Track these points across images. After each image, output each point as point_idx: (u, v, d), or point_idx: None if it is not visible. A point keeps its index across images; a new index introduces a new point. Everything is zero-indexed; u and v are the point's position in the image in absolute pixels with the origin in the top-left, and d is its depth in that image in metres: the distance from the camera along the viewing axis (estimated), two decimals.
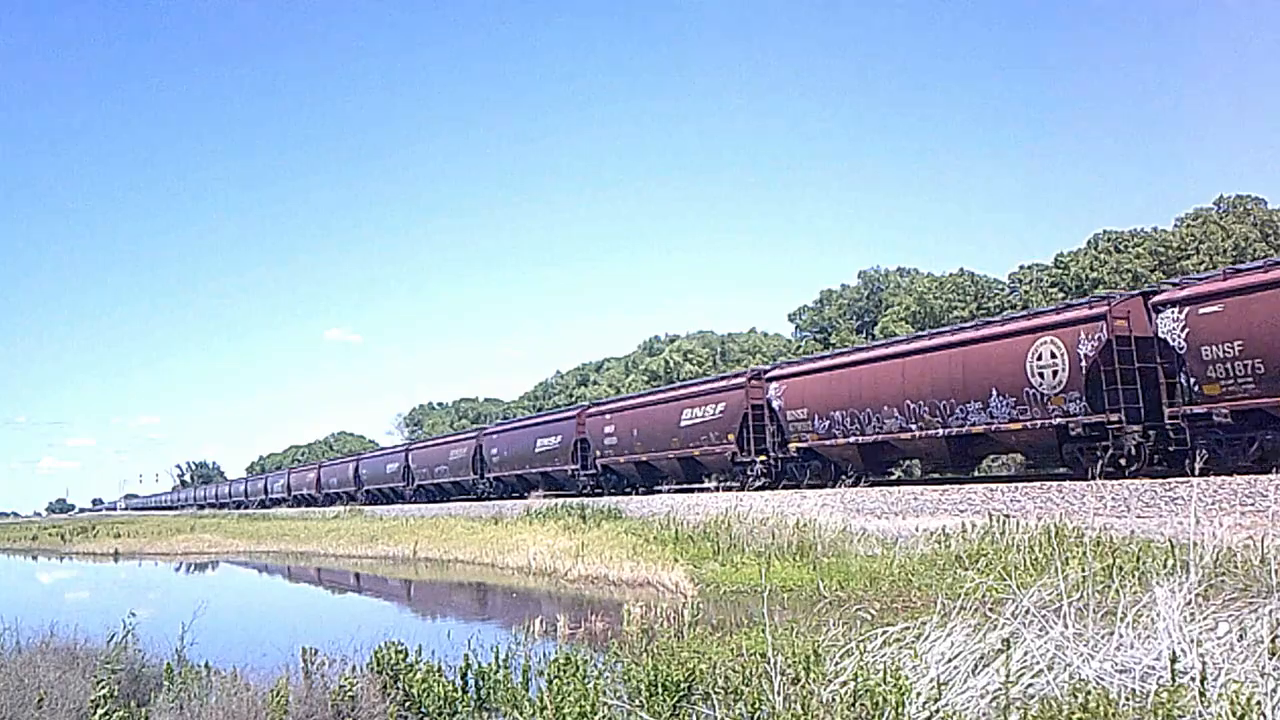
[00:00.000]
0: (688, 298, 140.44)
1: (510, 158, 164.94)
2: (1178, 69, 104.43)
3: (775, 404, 24.26)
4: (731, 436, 25.42)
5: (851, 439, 21.85)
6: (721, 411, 25.96)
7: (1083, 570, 7.16)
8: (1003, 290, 50.09)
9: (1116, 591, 6.72)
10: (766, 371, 25.95)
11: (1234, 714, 4.12)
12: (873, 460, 22.44)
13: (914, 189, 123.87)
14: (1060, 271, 45.74)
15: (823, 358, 25.32)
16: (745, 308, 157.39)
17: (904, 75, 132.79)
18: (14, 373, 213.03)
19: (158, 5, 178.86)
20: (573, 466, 33.47)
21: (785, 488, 23.40)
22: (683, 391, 28.89)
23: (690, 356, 59.88)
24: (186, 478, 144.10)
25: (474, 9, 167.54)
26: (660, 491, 28.86)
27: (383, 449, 66.59)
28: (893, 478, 25.88)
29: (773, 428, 24.57)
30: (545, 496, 32.57)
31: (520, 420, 44.15)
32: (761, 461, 24.54)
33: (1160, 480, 14.97)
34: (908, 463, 26.17)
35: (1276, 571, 7.66)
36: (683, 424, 27.31)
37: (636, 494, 29.03)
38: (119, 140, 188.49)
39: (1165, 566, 9.22)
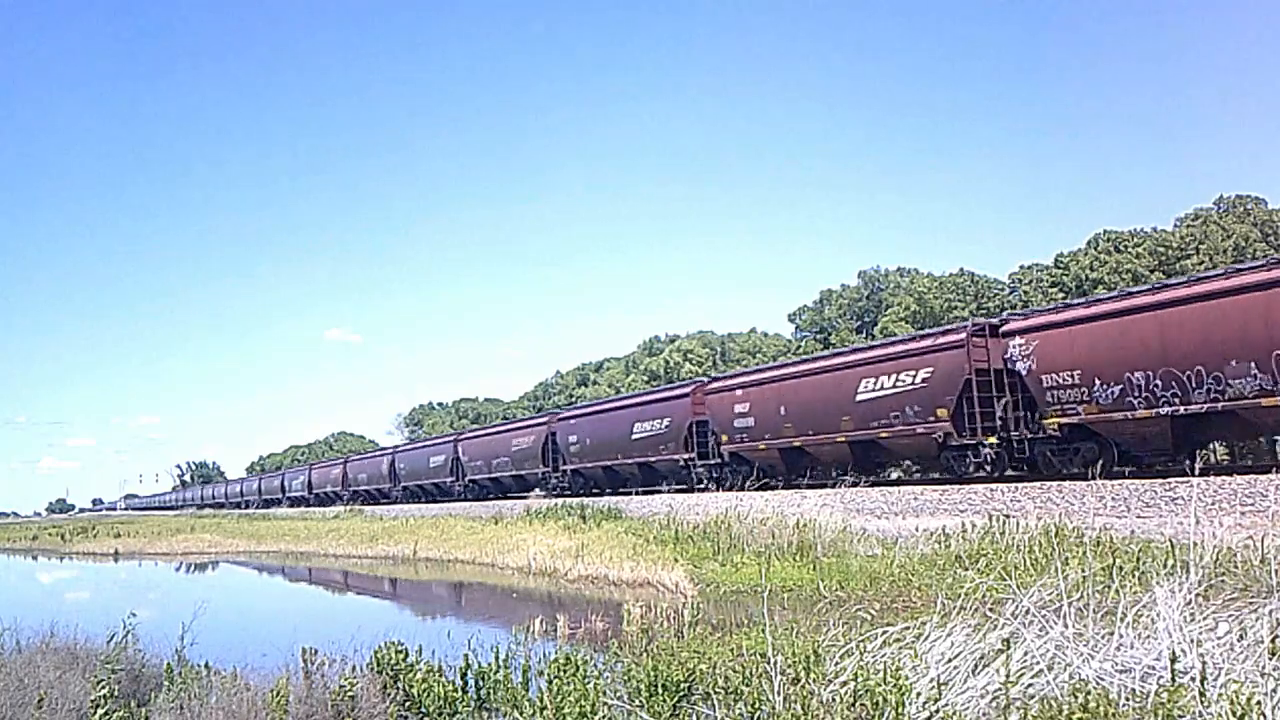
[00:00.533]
0: (688, 298, 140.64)
1: (510, 158, 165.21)
2: (1178, 69, 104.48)
3: (1020, 365, 18.16)
4: (943, 412, 19.27)
5: (1162, 410, 15.87)
6: (925, 379, 19.70)
7: (1083, 570, 7.16)
8: (1003, 290, 50.13)
9: (1116, 591, 6.73)
10: (1001, 324, 19.31)
11: (1234, 714, 4.12)
12: (1191, 438, 16.62)
13: (914, 189, 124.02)
14: (1060, 271, 45.76)
15: (1106, 300, 17.92)
16: (745, 308, 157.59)
17: (904, 75, 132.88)
18: (14, 373, 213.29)
19: (157, 5, 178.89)
20: (685, 455, 27.17)
21: (1026, 478, 18.23)
22: (861, 356, 22.24)
23: (690, 356, 59.88)
24: (187, 478, 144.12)
25: (474, 9, 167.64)
26: (808, 485, 22.53)
27: (426, 439, 58.79)
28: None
29: (1012, 398, 18.64)
30: (643, 493, 28.31)
31: (609, 401, 36.85)
32: (991, 445, 18.70)
33: (1160, 480, 14.97)
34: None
35: (1276, 571, 7.67)
36: (860, 398, 21.06)
37: (780, 488, 22.96)
38: (119, 140, 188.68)
39: (1165, 566, 9.22)
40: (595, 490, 31.87)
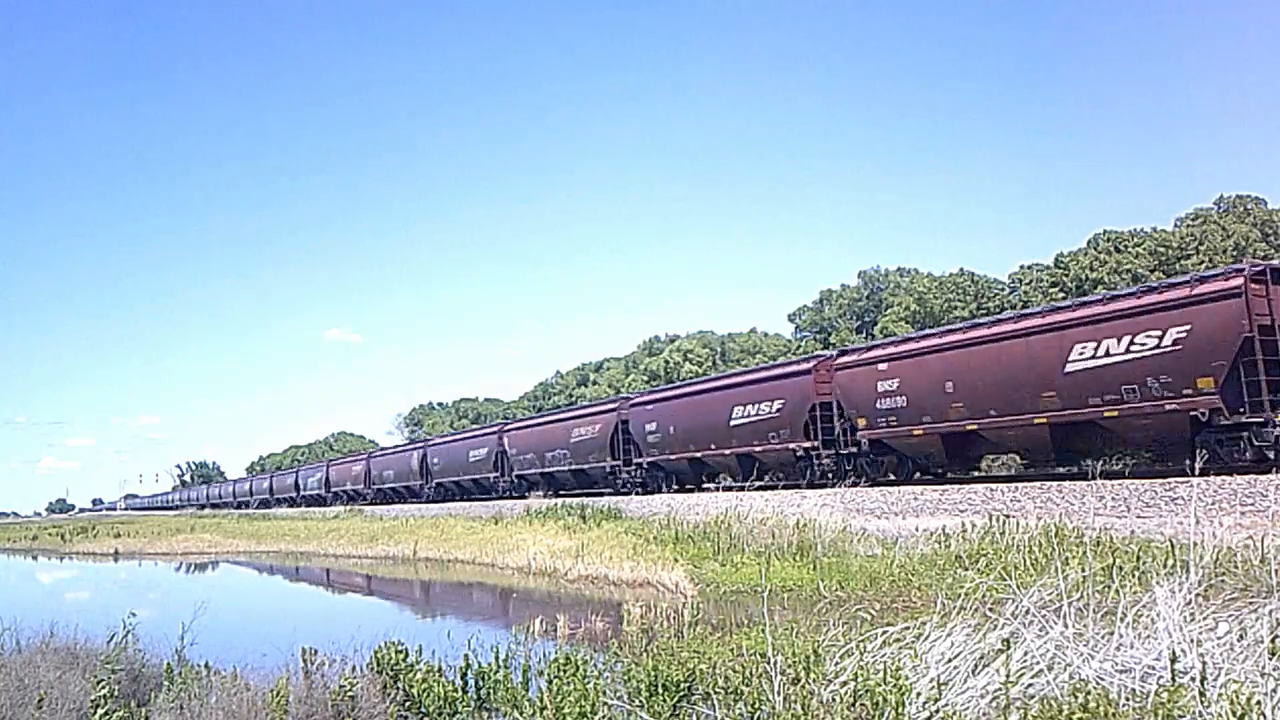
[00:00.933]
0: (688, 298, 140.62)
1: (510, 158, 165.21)
2: (1178, 69, 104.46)
3: None
4: (1206, 382, 15.05)
5: None
6: (1179, 341, 15.37)
7: (1083, 570, 7.16)
8: (1003, 290, 50.14)
9: (1116, 591, 6.73)
10: None
11: (1234, 714, 4.12)
12: None
13: (914, 189, 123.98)
14: (1060, 271, 45.77)
15: None
16: (745, 308, 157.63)
17: (903, 75, 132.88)
18: (14, 373, 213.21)
19: (157, 5, 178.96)
20: (805, 444, 22.87)
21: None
22: (1073, 315, 17.36)
23: (690, 356, 59.88)
24: (187, 478, 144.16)
25: (474, 9, 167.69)
26: (976, 479, 18.94)
27: (465, 430, 52.60)
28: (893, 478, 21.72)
29: None
30: (757, 488, 23.69)
31: (699, 382, 31.45)
32: None
33: (1160, 480, 14.97)
34: None
35: (1276, 571, 7.66)
36: (1072, 367, 16.74)
37: (937, 483, 19.60)
38: (119, 140, 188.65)
39: (1165, 566, 9.22)
40: (678, 486, 27.84)
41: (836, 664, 5.92)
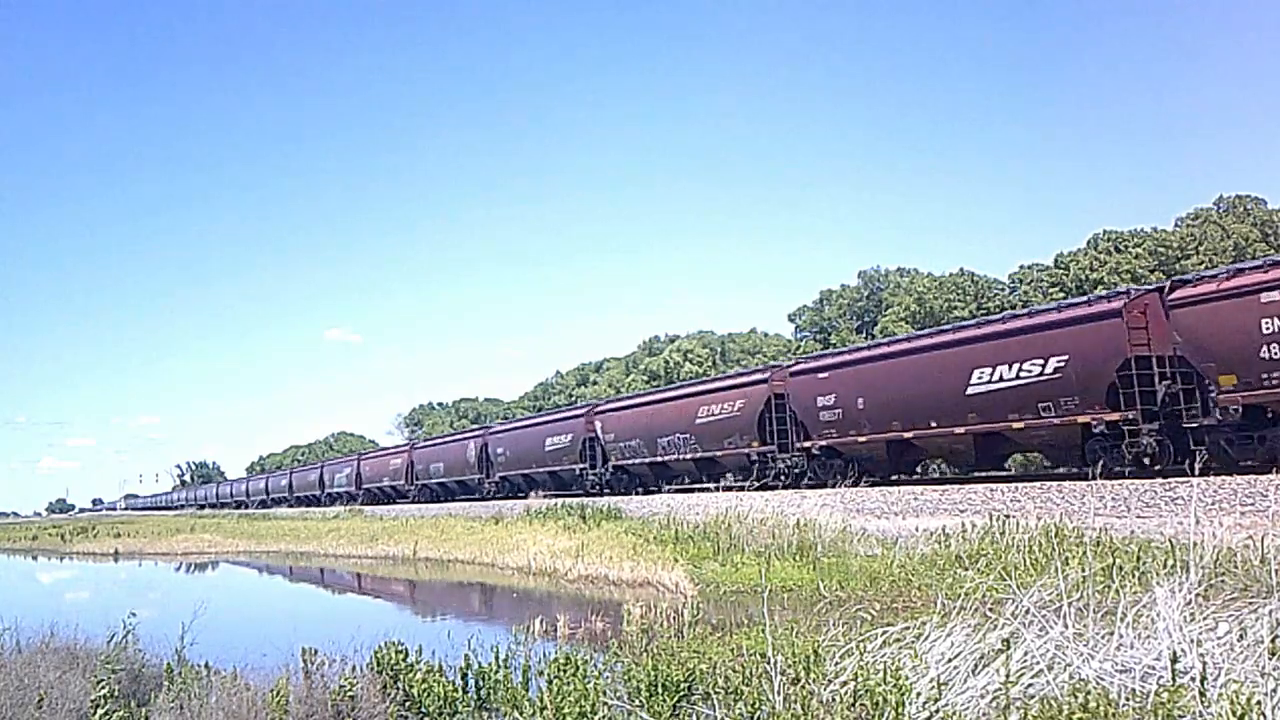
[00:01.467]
0: (688, 298, 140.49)
1: (511, 158, 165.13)
2: (1177, 69, 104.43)
3: None
4: None
5: None
6: None
7: (1083, 570, 7.16)
8: (1003, 290, 50.16)
9: (1116, 591, 6.74)
10: None
11: (1234, 714, 4.12)
12: None
13: (914, 189, 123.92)
14: (1060, 271, 45.80)
15: None
16: (745, 308, 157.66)
17: (903, 75, 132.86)
18: (14, 373, 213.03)
19: (157, 5, 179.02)
20: (1108, 417, 16.36)
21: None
22: None
23: (690, 356, 59.85)
24: (186, 478, 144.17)
25: (474, 9, 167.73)
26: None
27: (541, 414, 44.06)
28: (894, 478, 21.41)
29: None
30: (1004, 481, 18.81)
31: (903, 340, 23.10)
32: None
33: (1160, 480, 14.97)
34: None
35: (1276, 571, 7.67)
36: None
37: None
38: (119, 139, 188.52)
39: (1165, 566, 9.22)
40: (871, 477, 21.20)
41: (836, 664, 5.92)
